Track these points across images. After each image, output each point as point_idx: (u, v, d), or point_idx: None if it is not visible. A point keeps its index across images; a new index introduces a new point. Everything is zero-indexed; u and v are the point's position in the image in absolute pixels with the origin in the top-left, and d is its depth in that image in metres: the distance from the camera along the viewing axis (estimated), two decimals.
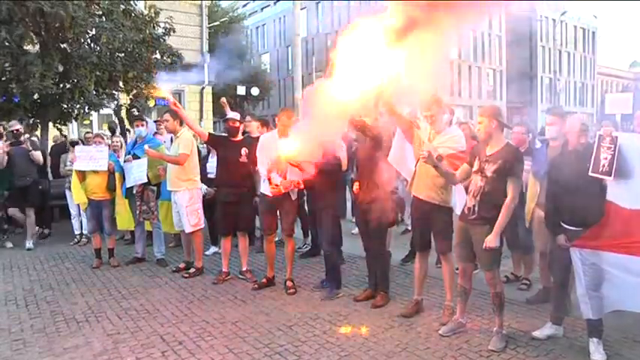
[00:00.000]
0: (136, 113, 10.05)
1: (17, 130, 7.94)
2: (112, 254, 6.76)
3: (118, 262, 6.70)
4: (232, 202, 5.72)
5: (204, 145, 7.18)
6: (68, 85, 9.37)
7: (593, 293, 3.72)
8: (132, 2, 10.29)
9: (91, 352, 4.06)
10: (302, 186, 5.29)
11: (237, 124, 5.89)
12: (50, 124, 10.28)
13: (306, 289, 5.51)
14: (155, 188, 6.56)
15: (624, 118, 13.97)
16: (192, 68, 11.08)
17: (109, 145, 7.06)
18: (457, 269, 4.46)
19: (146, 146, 6.22)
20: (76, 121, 10.80)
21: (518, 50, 51.37)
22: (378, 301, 4.95)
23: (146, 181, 6.37)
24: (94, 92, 9.74)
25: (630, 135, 4.12)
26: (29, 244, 7.73)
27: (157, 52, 10.50)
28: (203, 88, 20.19)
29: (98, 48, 9.46)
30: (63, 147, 9.85)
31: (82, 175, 6.71)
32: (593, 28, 63.36)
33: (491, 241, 3.80)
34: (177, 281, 5.93)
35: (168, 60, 10.62)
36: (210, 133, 6.18)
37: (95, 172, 6.59)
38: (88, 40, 9.58)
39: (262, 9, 57.96)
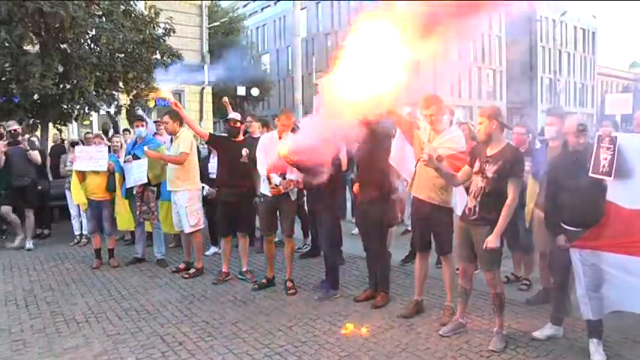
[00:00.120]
0: (140, 112, 10.05)
1: (15, 130, 7.92)
2: (112, 255, 6.76)
3: (118, 262, 6.70)
4: (233, 203, 5.72)
5: (205, 146, 7.18)
6: (68, 86, 9.38)
7: (593, 294, 3.72)
8: (132, 3, 10.30)
9: (91, 353, 4.06)
10: (301, 186, 5.30)
11: (238, 124, 5.89)
12: (50, 124, 10.28)
13: (306, 289, 5.51)
14: (155, 189, 6.56)
15: (624, 118, 13.98)
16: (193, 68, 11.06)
17: (109, 146, 7.06)
18: (457, 270, 4.47)
19: (146, 147, 6.21)
20: (76, 121, 10.80)
21: (518, 51, 51.37)
22: (378, 301, 4.95)
23: (146, 181, 6.37)
24: (94, 93, 9.75)
25: (629, 135, 4.12)
26: (29, 244, 7.72)
27: (157, 52, 10.51)
28: (203, 89, 20.20)
29: (98, 48, 9.48)
30: (62, 147, 9.88)
31: (82, 175, 6.71)
32: (593, 29, 63.38)
33: (492, 241, 3.80)
34: (178, 282, 5.93)
35: (169, 60, 10.63)
36: (210, 134, 6.18)
37: (95, 172, 6.60)
38: (88, 41, 9.59)
39: (262, 9, 57.97)
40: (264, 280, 5.63)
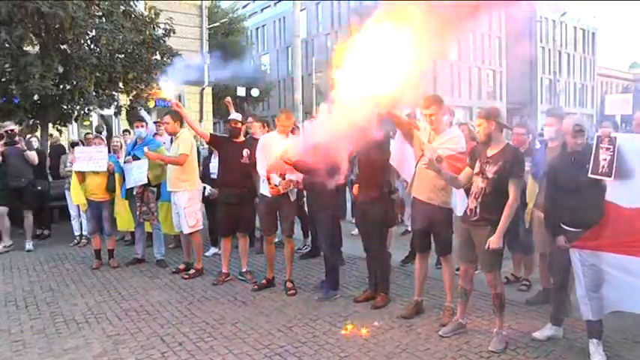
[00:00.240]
0: (143, 113, 10.04)
1: (12, 130, 7.88)
2: (111, 255, 6.76)
3: (118, 263, 6.70)
4: (233, 203, 5.71)
5: (204, 146, 7.18)
6: (68, 86, 9.37)
7: (593, 294, 3.72)
8: (132, 3, 10.30)
9: (91, 354, 4.06)
10: (301, 186, 5.30)
11: (239, 124, 5.89)
12: (50, 125, 10.28)
13: (306, 290, 5.51)
14: (155, 189, 6.56)
15: (624, 119, 13.98)
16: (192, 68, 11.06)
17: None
18: (457, 270, 4.47)
19: (145, 148, 6.20)
20: (76, 122, 10.80)
21: (517, 51, 51.39)
22: (378, 302, 4.95)
23: (146, 182, 6.37)
24: (94, 93, 9.74)
25: (629, 135, 4.12)
26: (29, 245, 7.72)
27: (157, 53, 10.51)
28: (203, 89, 20.21)
29: (98, 49, 9.47)
30: (62, 148, 9.87)
31: (82, 176, 6.71)
32: (593, 29, 63.42)
33: (495, 242, 3.80)
34: (177, 282, 5.92)
35: (169, 61, 10.62)
36: (211, 134, 6.18)
37: (95, 172, 6.60)
38: (88, 42, 9.58)
39: (262, 10, 58.05)
40: (264, 281, 5.63)
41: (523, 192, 4.47)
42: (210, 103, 21.14)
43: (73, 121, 10.64)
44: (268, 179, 5.17)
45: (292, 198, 5.44)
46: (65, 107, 9.75)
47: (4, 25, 8.45)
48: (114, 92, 10.62)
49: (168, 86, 6.02)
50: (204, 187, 6.68)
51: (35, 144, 8.44)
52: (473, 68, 49.57)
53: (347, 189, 7.44)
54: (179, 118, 5.99)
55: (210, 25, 22.06)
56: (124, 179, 6.55)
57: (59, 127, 10.57)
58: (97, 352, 4.09)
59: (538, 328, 4.19)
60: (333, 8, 48.35)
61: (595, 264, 3.69)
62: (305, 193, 6.01)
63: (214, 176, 6.50)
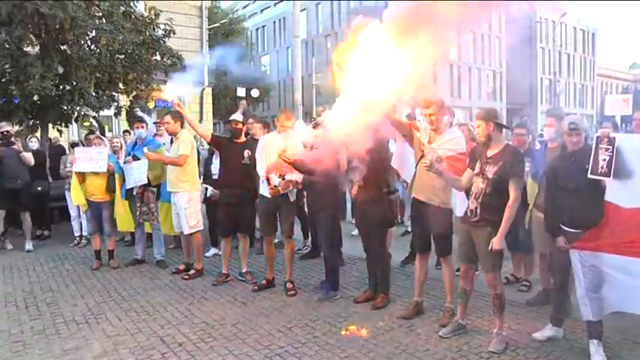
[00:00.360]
0: (140, 113, 10.03)
1: (7, 131, 7.83)
2: (111, 256, 6.76)
3: (118, 263, 6.70)
4: (234, 204, 5.71)
5: (204, 147, 7.18)
6: (68, 87, 9.38)
7: (593, 295, 3.72)
8: (132, 4, 10.31)
9: (91, 354, 4.06)
10: (301, 186, 5.30)
11: (240, 125, 5.88)
12: (50, 125, 10.28)
13: (306, 290, 5.51)
14: (155, 189, 6.57)
15: (624, 119, 13.99)
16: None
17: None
18: (458, 271, 4.46)
19: (145, 149, 6.20)
20: (76, 122, 10.81)
21: (518, 52, 51.42)
22: (378, 302, 4.95)
23: (146, 182, 6.38)
24: (94, 94, 9.74)
25: (628, 136, 4.12)
26: (28, 245, 7.72)
27: (157, 53, 10.51)
28: (203, 90, 20.21)
29: (98, 50, 9.48)
30: (62, 149, 9.87)
31: (82, 176, 6.71)
32: (593, 30, 63.45)
33: (497, 243, 3.80)
34: (177, 283, 5.92)
35: (169, 62, 10.63)
36: (213, 135, 6.18)
37: (95, 173, 6.59)
38: (88, 42, 9.59)
39: (262, 10, 58.08)
40: (264, 282, 5.63)
41: (524, 192, 4.47)
42: (210, 104, 21.15)
43: (73, 122, 10.64)
44: (267, 180, 5.16)
45: (292, 198, 5.44)
46: (65, 108, 9.76)
47: (4, 26, 8.46)
48: (114, 93, 10.63)
49: (171, 87, 6.02)
50: (206, 188, 6.68)
51: (35, 144, 8.44)
52: (473, 69, 49.59)
53: (347, 189, 7.43)
54: (180, 118, 5.99)
55: (210, 26, 22.08)
56: (123, 180, 6.55)
57: (59, 128, 10.57)
58: (97, 352, 4.09)
59: (538, 329, 4.19)
60: (333, 9, 48.38)
61: (595, 265, 3.69)
62: (305, 193, 6.01)
63: (216, 177, 6.50)
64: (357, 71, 3.73)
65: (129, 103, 10.91)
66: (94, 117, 10.53)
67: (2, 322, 4.82)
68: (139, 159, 6.40)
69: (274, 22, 55.02)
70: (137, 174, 6.37)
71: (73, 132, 14.88)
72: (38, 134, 9.94)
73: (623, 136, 3.89)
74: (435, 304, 4.92)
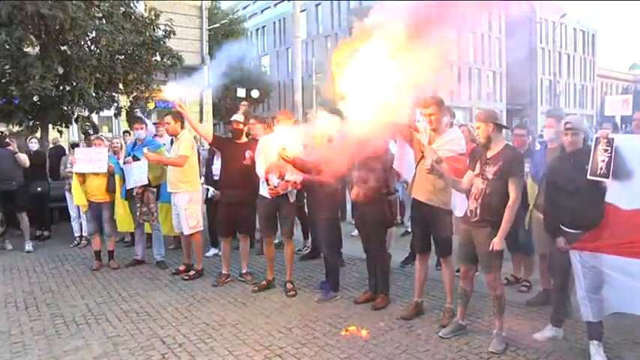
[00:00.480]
0: (139, 113, 10.03)
1: (1, 132, 7.81)
2: (111, 256, 6.75)
3: (118, 264, 6.70)
4: (234, 204, 5.70)
5: (204, 148, 7.18)
6: (68, 88, 9.38)
7: (593, 296, 3.72)
8: (132, 4, 10.31)
9: (91, 355, 4.06)
10: (300, 187, 5.29)
11: (241, 125, 5.87)
12: (50, 126, 10.28)
13: (306, 291, 5.51)
14: (155, 190, 6.56)
15: (624, 119, 13.99)
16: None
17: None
18: (458, 271, 4.46)
19: (145, 149, 6.19)
20: (76, 123, 10.81)
21: (517, 52, 51.43)
22: (379, 303, 4.94)
23: (146, 182, 6.37)
24: (94, 94, 9.74)
25: (627, 136, 4.13)
26: (28, 246, 7.71)
27: (157, 54, 10.51)
28: (203, 90, 20.18)
29: (98, 50, 9.48)
30: (62, 149, 9.86)
31: (82, 177, 6.70)
32: (593, 31, 63.47)
33: (498, 243, 3.80)
34: (177, 283, 5.92)
35: (169, 62, 10.63)
36: (214, 135, 6.16)
37: (95, 174, 6.59)
38: (88, 43, 9.59)
39: (262, 11, 58.12)
40: (264, 282, 5.62)
41: (524, 193, 4.46)
42: (210, 105, 21.14)
43: (74, 122, 10.64)
44: (267, 180, 5.16)
45: (292, 199, 5.44)
46: (65, 108, 9.75)
47: (4, 27, 8.46)
48: (114, 93, 10.62)
49: (172, 88, 6.00)
50: (208, 189, 6.68)
51: (35, 145, 8.43)
52: (473, 69, 49.60)
53: (347, 190, 7.43)
54: (180, 118, 5.98)
55: (211, 27, 22.08)
56: (123, 180, 6.55)
57: (59, 129, 10.57)
58: (97, 353, 4.09)
59: (538, 329, 4.19)
60: (333, 9, 48.40)
61: (595, 266, 3.69)
62: (305, 194, 6.01)
63: (217, 177, 6.49)
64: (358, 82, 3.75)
65: (129, 104, 10.91)
66: (87, 117, 10.48)
67: (2, 322, 4.82)
68: (138, 159, 6.40)
69: (274, 22, 55.05)
70: (137, 174, 6.38)
71: (73, 132, 14.87)
72: (38, 135, 9.96)
73: (622, 136, 3.90)
74: (435, 305, 4.92)
